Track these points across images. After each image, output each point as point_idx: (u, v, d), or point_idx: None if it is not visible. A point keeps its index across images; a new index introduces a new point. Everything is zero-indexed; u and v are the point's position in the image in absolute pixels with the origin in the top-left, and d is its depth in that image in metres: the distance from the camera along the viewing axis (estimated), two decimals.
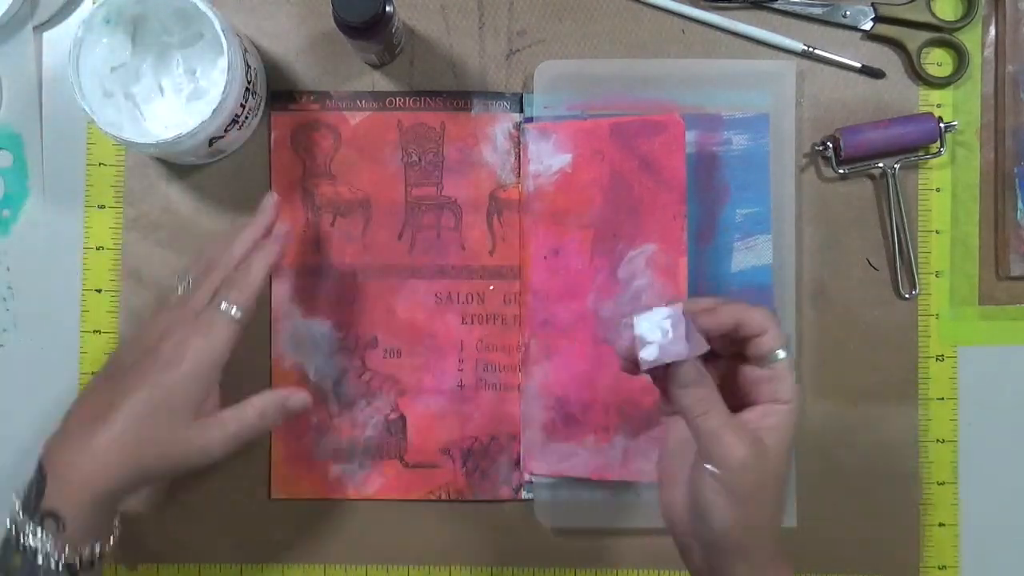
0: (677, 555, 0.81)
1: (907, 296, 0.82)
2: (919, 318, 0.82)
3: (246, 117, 0.77)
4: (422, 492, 0.82)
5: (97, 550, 0.66)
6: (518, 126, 0.82)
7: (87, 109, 0.72)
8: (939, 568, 0.82)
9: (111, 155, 0.83)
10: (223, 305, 0.69)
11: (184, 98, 0.75)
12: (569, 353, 0.79)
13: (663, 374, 0.59)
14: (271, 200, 0.75)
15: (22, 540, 0.64)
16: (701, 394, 0.59)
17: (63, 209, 0.83)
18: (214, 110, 0.71)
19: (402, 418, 0.82)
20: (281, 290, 0.82)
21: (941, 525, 0.82)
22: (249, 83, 0.75)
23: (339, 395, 0.82)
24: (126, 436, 0.65)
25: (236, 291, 0.70)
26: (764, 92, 0.82)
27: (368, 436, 0.82)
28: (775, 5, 0.82)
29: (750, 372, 0.62)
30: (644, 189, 0.79)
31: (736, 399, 0.62)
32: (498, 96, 0.82)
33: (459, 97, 0.82)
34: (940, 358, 0.82)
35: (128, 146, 0.75)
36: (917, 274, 0.81)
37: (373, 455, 0.82)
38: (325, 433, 0.82)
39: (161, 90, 0.75)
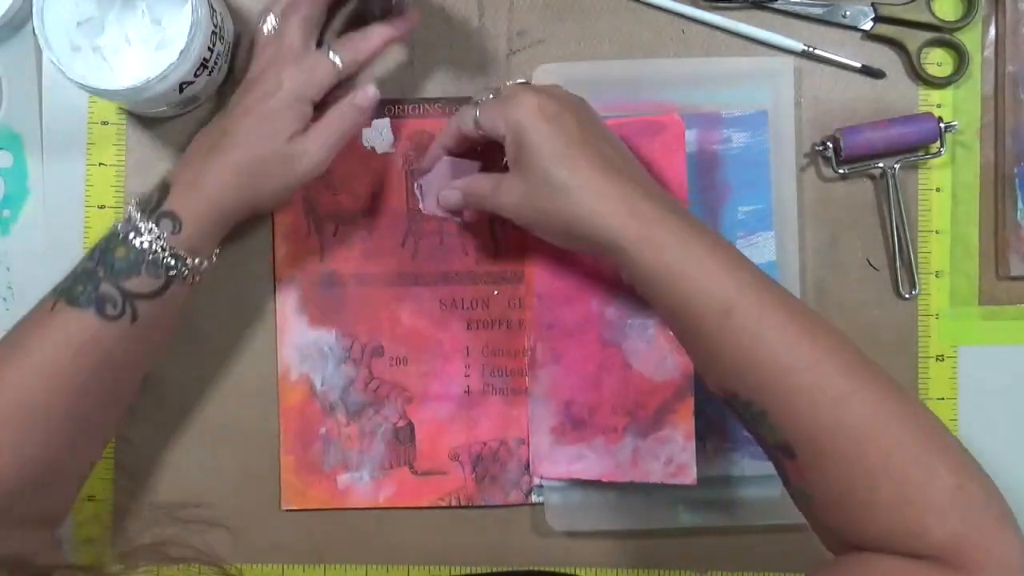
0: (691, 555, 0.83)
1: (907, 296, 0.82)
2: (919, 318, 0.83)
3: (215, 62, 0.77)
4: (432, 499, 0.82)
5: (199, 263, 0.72)
6: None
7: (55, 61, 0.72)
8: None
9: (111, 155, 0.83)
10: (331, 53, 0.76)
11: (152, 48, 0.74)
12: (575, 355, 0.80)
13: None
14: None
15: (132, 236, 0.70)
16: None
17: (63, 209, 0.83)
18: (181, 52, 0.71)
19: (410, 426, 0.82)
20: (286, 301, 0.82)
21: None
22: (216, 27, 0.75)
23: (347, 404, 0.82)
24: (238, 158, 0.73)
25: (348, 50, 0.77)
26: (762, 89, 0.82)
27: (377, 445, 0.82)
28: (775, 5, 0.82)
29: None
30: None
31: None
32: None
33: (458, 103, 0.82)
34: (940, 358, 0.83)
35: (100, 95, 0.76)
36: (917, 274, 0.82)
37: (382, 464, 0.82)
38: (333, 443, 0.82)
39: (128, 41, 0.75)
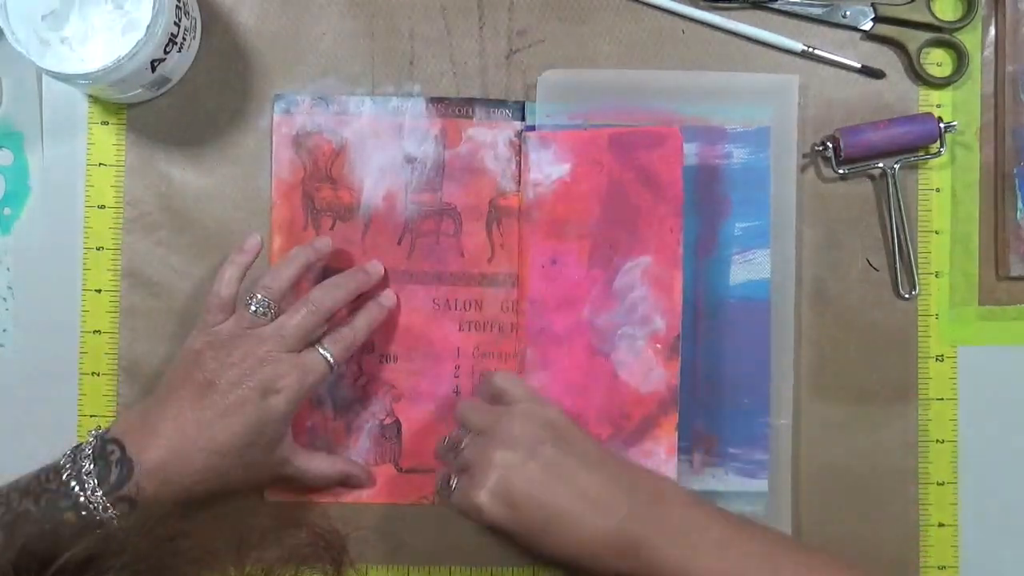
0: None
1: (907, 296, 0.82)
2: (919, 318, 0.82)
3: (183, 37, 0.78)
4: (416, 497, 0.82)
5: None
6: (519, 134, 0.82)
7: (24, 52, 0.72)
8: (939, 568, 0.82)
9: (111, 155, 0.83)
10: (323, 352, 0.74)
11: (118, 33, 0.74)
12: (564, 362, 0.79)
13: None
14: (376, 269, 0.80)
15: (83, 503, 0.67)
16: None
17: (63, 209, 0.83)
18: (147, 27, 0.72)
19: (397, 423, 0.82)
20: None
21: (940, 525, 0.82)
22: (180, 1, 0.76)
23: (335, 399, 0.81)
24: (224, 460, 0.70)
25: (340, 347, 0.75)
26: (766, 105, 0.82)
27: (363, 440, 0.82)
28: (775, 5, 0.82)
29: None
30: (641, 200, 0.79)
31: None
32: (500, 104, 0.82)
33: (461, 104, 0.82)
34: (940, 358, 0.82)
35: (73, 82, 0.75)
36: (917, 274, 0.81)
37: (367, 459, 0.82)
38: (320, 436, 0.82)
39: (94, 29, 0.75)
